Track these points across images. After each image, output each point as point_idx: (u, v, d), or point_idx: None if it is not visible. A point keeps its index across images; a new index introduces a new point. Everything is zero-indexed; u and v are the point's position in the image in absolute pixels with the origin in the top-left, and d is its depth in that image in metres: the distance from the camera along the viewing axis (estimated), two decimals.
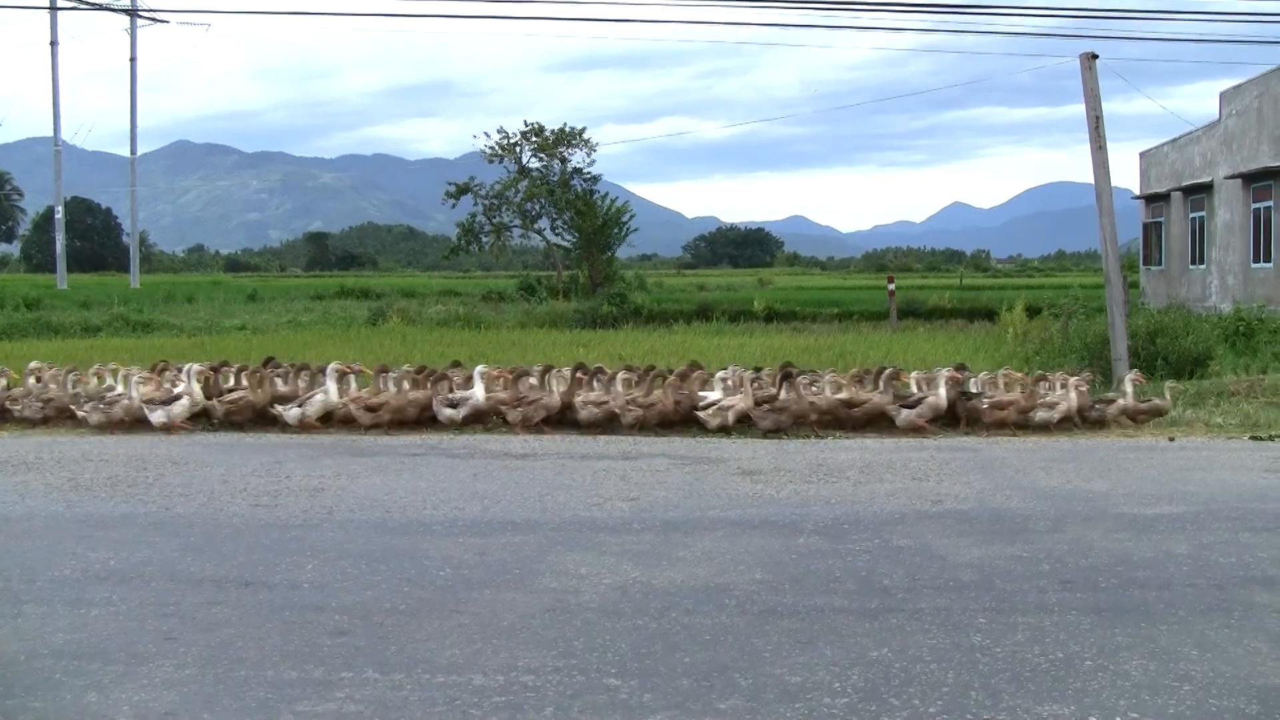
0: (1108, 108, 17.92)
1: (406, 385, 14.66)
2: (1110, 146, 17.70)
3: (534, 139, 53.40)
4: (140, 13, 76.11)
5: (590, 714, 5.36)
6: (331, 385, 14.39)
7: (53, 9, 70.79)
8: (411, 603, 7.07)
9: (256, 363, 16.50)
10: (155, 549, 8.52)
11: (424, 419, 14.45)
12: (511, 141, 53.24)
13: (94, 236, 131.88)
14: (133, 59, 78.46)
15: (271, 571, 7.83)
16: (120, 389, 15.05)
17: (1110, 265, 17.87)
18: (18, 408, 15.09)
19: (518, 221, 54.11)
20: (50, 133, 76.36)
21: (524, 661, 6.02)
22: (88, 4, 71.86)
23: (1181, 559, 7.94)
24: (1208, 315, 26.05)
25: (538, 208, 53.23)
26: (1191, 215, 37.73)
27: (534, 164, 53.57)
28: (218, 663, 6.08)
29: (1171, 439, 13.48)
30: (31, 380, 15.65)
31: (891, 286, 34.94)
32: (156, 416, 14.22)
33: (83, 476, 11.37)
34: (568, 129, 53.43)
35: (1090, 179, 17.96)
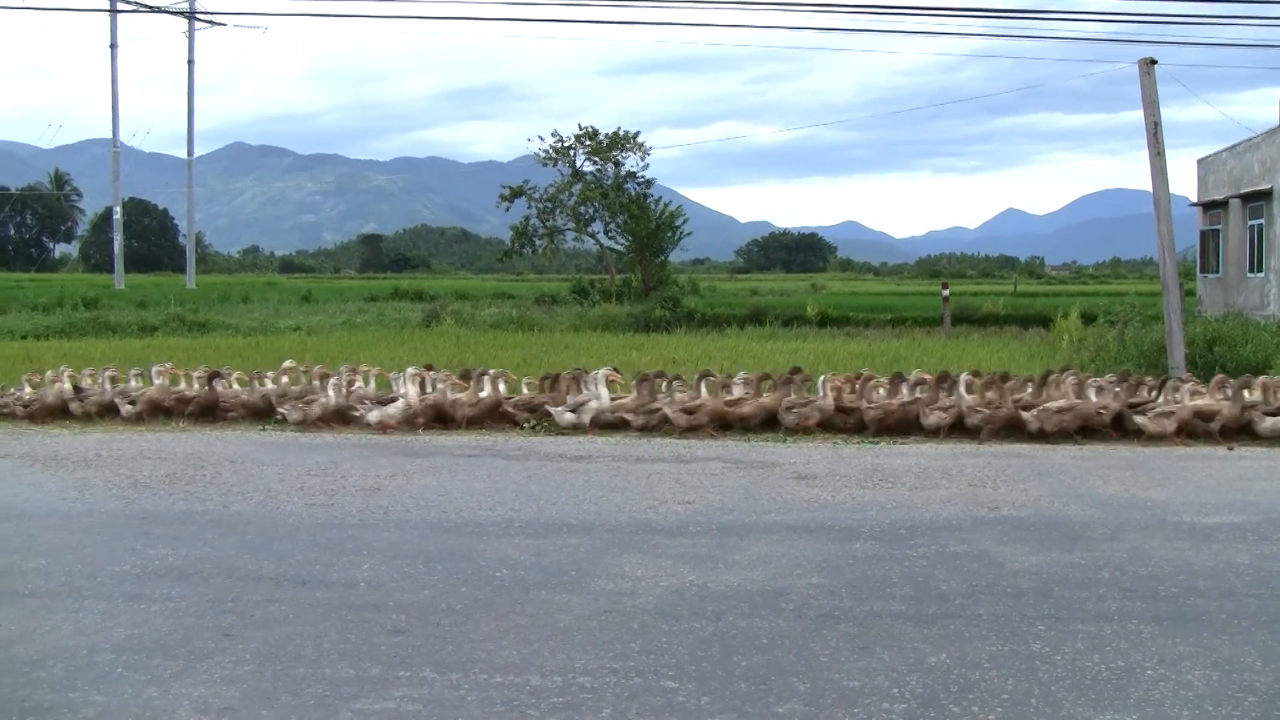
0: (1166, 114, 17.80)
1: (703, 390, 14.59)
2: (1168, 153, 17.56)
3: (588, 142, 53.41)
4: (198, 16, 76.75)
5: (648, 716, 5.35)
6: (602, 390, 14.33)
7: (113, 12, 71.56)
8: (468, 603, 7.08)
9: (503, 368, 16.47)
10: (213, 546, 8.58)
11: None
12: (565, 145, 53.28)
13: (150, 237, 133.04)
14: (190, 62, 79.15)
15: (329, 570, 7.87)
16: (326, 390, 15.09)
17: (1167, 272, 17.73)
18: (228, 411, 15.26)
19: (571, 225, 54.15)
20: (109, 134, 77.10)
21: (581, 663, 6.02)
22: (147, 7, 72.54)
23: (1243, 569, 7.86)
24: (1266, 324, 25.75)
25: (591, 211, 53.23)
26: (1250, 223, 37.29)
27: (588, 167, 53.59)
28: (276, 660, 6.11)
29: (1230, 448, 13.33)
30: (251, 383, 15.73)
31: (945, 292, 34.76)
32: (373, 416, 14.37)
33: (141, 474, 11.46)
34: (621, 133, 53.44)
35: (1147, 186, 17.83)
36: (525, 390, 15.27)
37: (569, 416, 14.11)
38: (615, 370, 15.34)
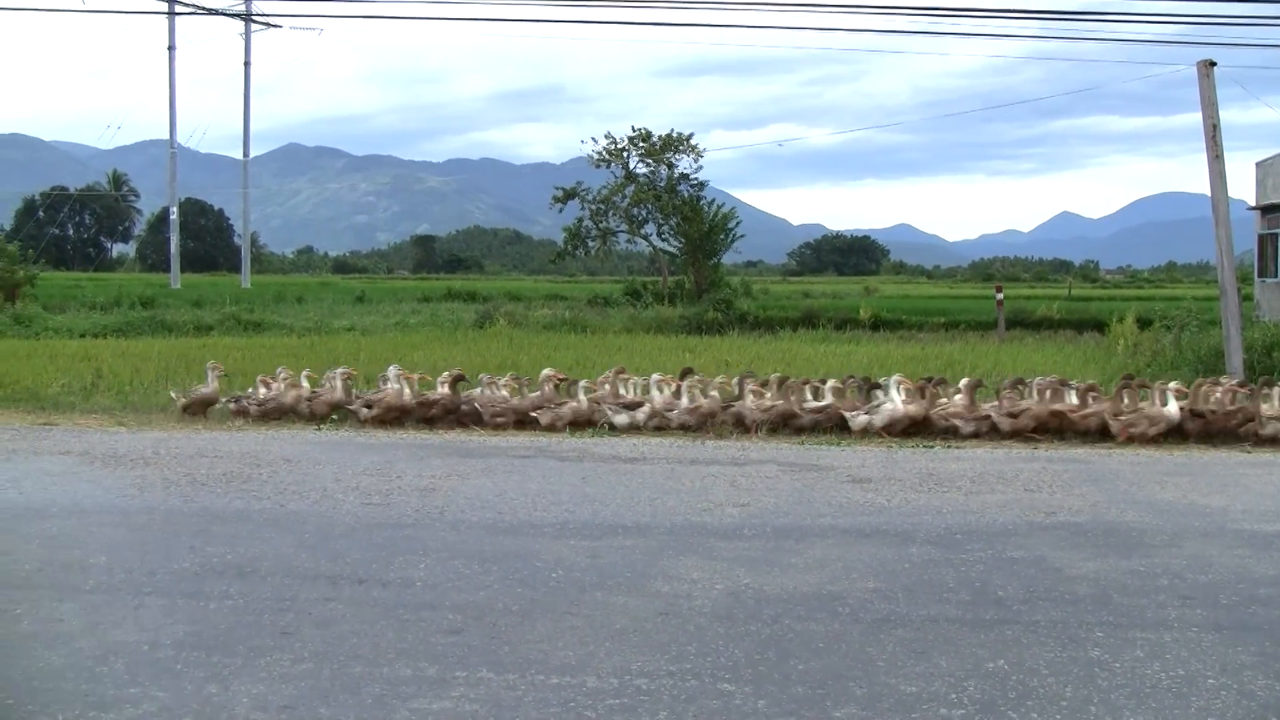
0: (1224, 116, 17.65)
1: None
2: (1226, 156, 17.40)
3: (641, 144, 53.38)
4: (254, 18, 77.26)
5: (705, 719, 5.36)
6: (895, 395, 14.23)
7: (171, 15, 72.18)
8: (524, 603, 7.11)
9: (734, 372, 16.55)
10: (270, 544, 8.64)
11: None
12: (619, 147, 53.28)
13: (206, 237, 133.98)
14: (247, 63, 79.72)
15: (385, 569, 7.91)
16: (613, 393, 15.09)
17: (1225, 276, 17.58)
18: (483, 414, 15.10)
19: (624, 226, 54.17)
20: (166, 136, 77.80)
21: (637, 665, 6.03)
22: (204, 10, 73.12)
23: None
24: None
25: (644, 213, 53.21)
26: None
27: (641, 169, 53.57)
28: (333, 658, 6.15)
29: None
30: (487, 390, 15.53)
31: (1000, 296, 34.53)
32: (619, 419, 14.47)
33: (199, 472, 11.55)
34: (675, 135, 53.39)
35: (1204, 189, 17.68)
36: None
37: (862, 419, 14.15)
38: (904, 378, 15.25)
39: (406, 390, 15.16)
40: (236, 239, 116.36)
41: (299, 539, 8.81)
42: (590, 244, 55.25)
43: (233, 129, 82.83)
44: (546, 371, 15.57)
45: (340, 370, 15.86)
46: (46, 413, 15.90)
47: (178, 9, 71.55)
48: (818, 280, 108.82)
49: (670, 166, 53.27)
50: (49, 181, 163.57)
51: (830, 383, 15.02)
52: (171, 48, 74.49)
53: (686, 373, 15.58)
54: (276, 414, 15.37)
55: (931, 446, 13.41)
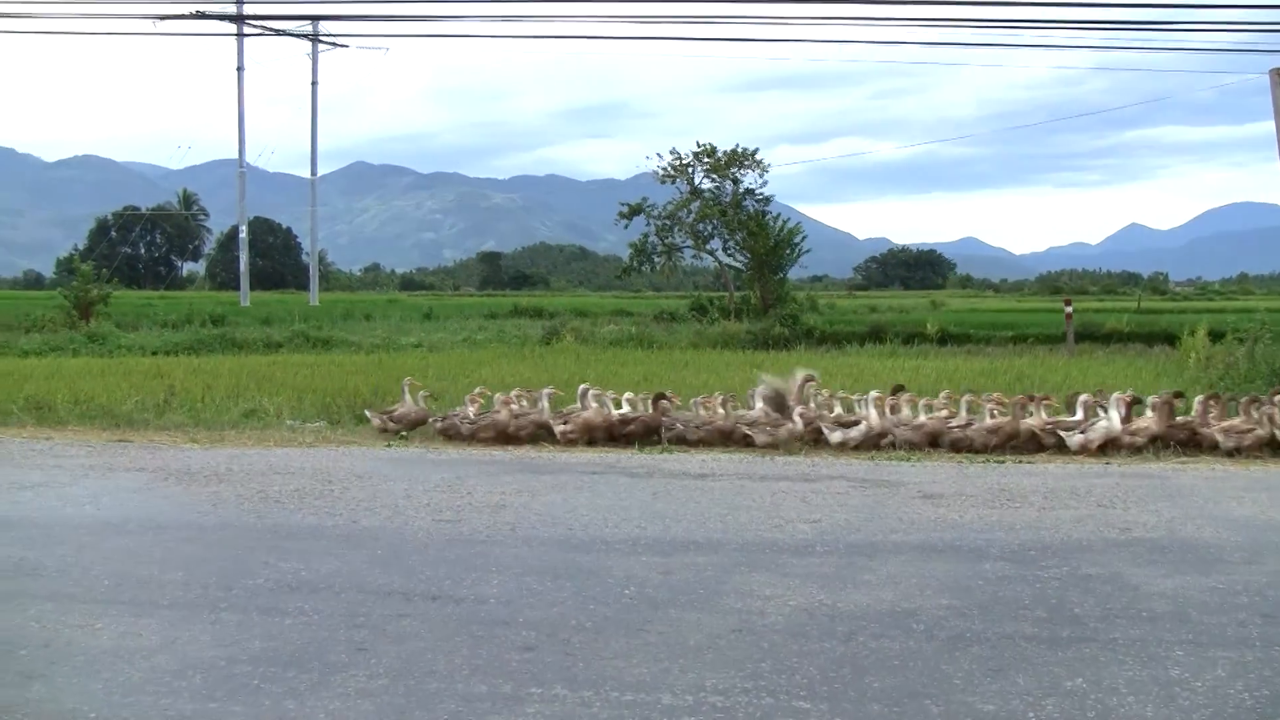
0: None
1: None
2: None
3: (706, 160, 53.37)
4: (321, 38, 78.00)
5: None
6: (1114, 413, 14.06)
7: (239, 36, 72.89)
8: (597, 620, 7.11)
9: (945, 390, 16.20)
10: (344, 561, 8.70)
11: None
12: (684, 162, 53.29)
13: (275, 255, 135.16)
14: (314, 83, 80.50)
15: (458, 586, 7.94)
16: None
17: None
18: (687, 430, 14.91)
19: (690, 242, 54.15)
20: (235, 155, 78.66)
21: (712, 682, 6.01)
22: (272, 31, 73.81)
23: None
24: None
25: (710, 229, 53.17)
26: None
27: (706, 185, 53.54)
28: (408, 674, 6.18)
29: None
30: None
31: (1069, 309, 34.23)
32: (835, 437, 14.36)
33: (271, 488, 11.64)
34: (740, 150, 53.34)
35: (1278, 199, 17.46)
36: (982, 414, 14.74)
37: (1079, 438, 13.89)
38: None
39: (616, 409, 15.04)
40: (304, 257, 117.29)
41: (371, 555, 8.86)
42: (656, 260, 55.26)
43: (300, 148, 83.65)
44: (762, 388, 15.32)
45: (547, 390, 15.61)
46: (121, 429, 16.08)
47: (246, 31, 72.28)
48: (884, 295, 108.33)
49: (735, 181, 53.21)
50: (121, 202, 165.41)
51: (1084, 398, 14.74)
52: (240, 69, 75.36)
53: (898, 389, 15.36)
54: (490, 433, 15.01)
55: (1002, 462, 13.30)
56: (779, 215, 53.11)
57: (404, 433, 15.44)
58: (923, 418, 14.46)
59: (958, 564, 8.51)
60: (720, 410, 14.89)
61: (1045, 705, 5.68)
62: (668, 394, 15.45)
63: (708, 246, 54.16)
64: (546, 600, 7.56)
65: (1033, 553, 8.82)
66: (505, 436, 14.94)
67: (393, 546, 9.14)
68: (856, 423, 14.45)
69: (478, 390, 15.81)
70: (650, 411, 14.97)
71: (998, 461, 13.31)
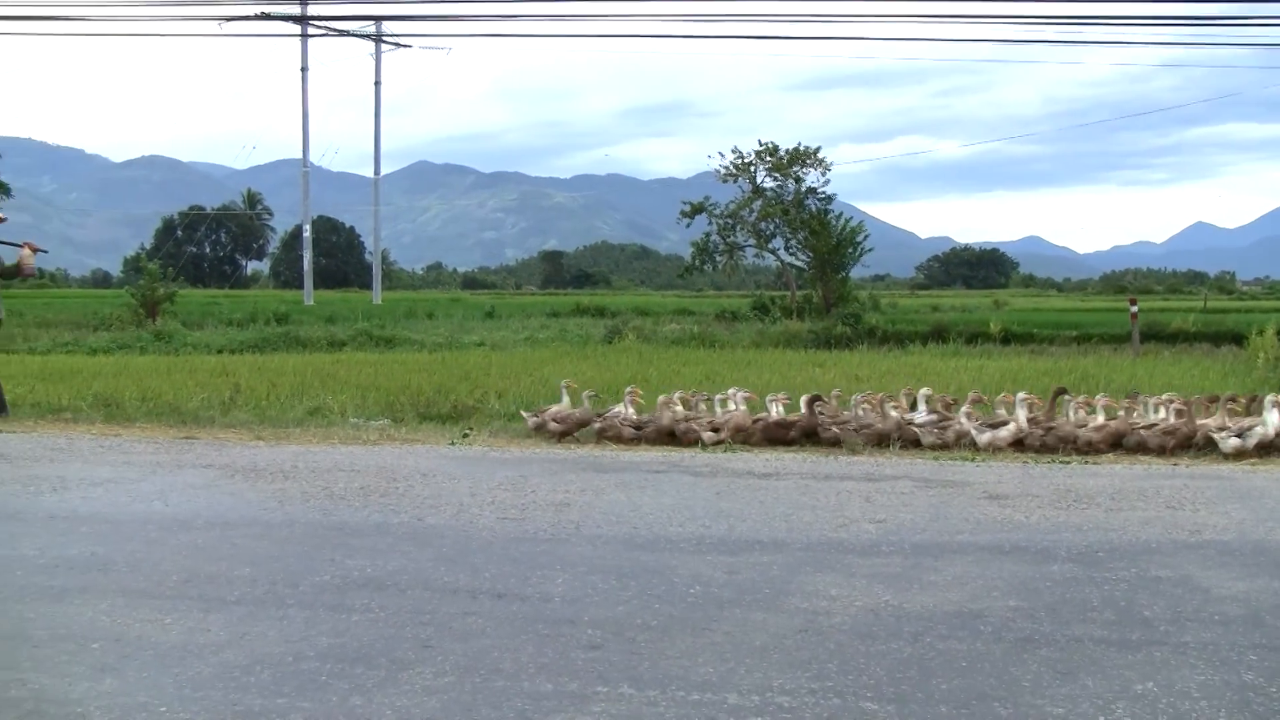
0: None
1: None
2: None
3: (768, 159, 53.32)
4: (384, 39, 78.58)
5: None
6: (1272, 415, 13.66)
7: (303, 37, 73.55)
8: (662, 619, 7.11)
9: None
10: (409, 558, 8.73)
11: None
12: (746, 161, 53.26)
13: (338, 254, 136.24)
14: (377, 83, 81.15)
15: (523, 584, 7.96)
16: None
17: None
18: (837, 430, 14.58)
19: (751, 241, 54.12)
20: (299, 155, 79.42)
21: (778, 682, 5.99)
22: (336, 32, 74.38)
23: None
24: None
25: (772, 227, 53.12)
26: None
27: (768, 184, 53.49)
28: (475, 672, 6.19)
29: None
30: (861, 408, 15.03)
31: (1134, 308, 33.90)
32: (984, 439, 14.03)
33: (336, 486, 11.70)
34: (802, 148, 53.27)
35: None
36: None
37: (1234, 441, 13.53)
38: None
39: (776, 410, 14.83)
40: (367, 256, 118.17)
41: (437, 553, 8.89)
42: (718, 259, 55.30)
43: (363, 148, 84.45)
44: (925, 391, 15.23)
45: (741, 393, 15.17)
46: (188, 426, 16.22)
47: (310, 31, 72.86)
48: (946, 294, 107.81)
49: (798, 180, 53.15)
50: (187, 201, 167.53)
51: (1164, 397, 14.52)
52: (304, 69, 76.10)
53: (1060, 392, 15.18)
54: (654, 436, 14.80)
55: (1068, 462, 13.19)
56: (841, 214, 53.02)
57: (565, 435, 15.03)
58: (1101, 418, 14.23)
59: (1025, 565, 8.45)
60: (881, 410, 14.68)
61: (1115, 709, 5.62)
62: (823, 395, 15.28)
63: (770, 245, 54.17)
64: (611, 599, 7.56)
65: (1101, 554, 8.74)
66: (668, 437, 14.80)
67: (458, 544, 9.17)
68: (1005, 423, 14.20)
69: (629, 390, 15.61)
70: (807, 414, 14.75)
71: (1063, 462, 13.20)
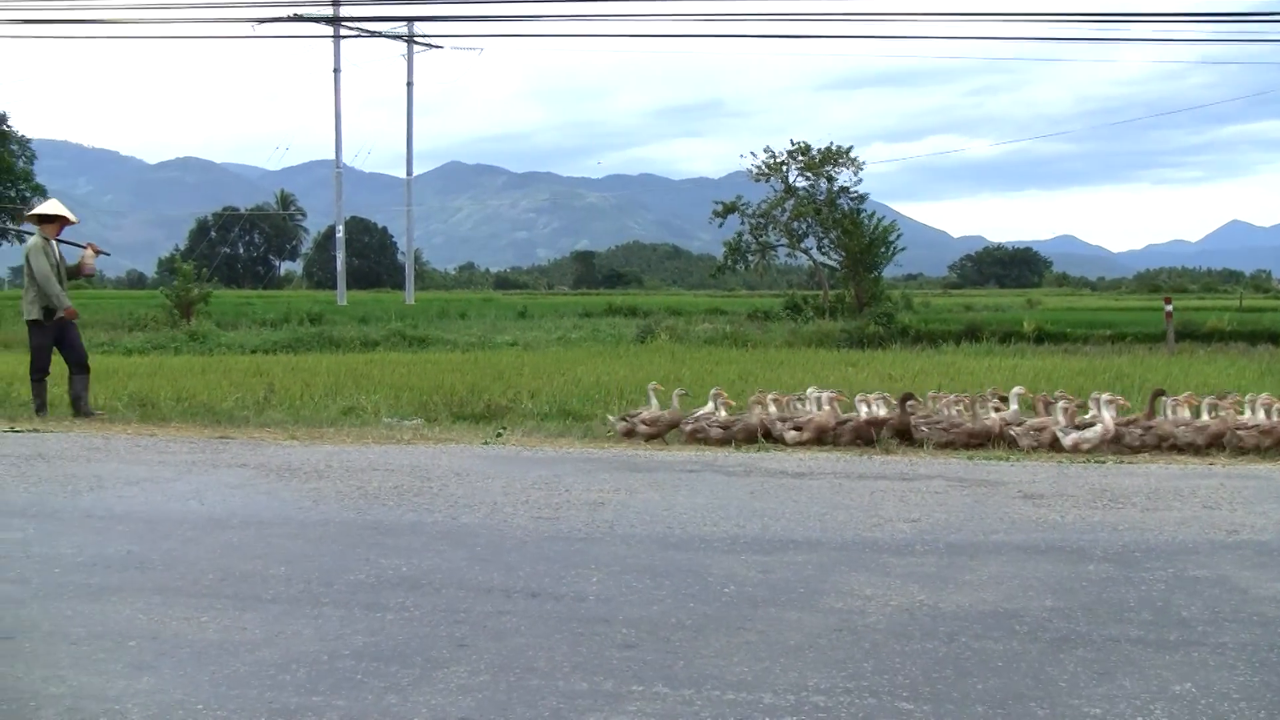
0: None
1: None
2: None
3: (800, 158, 53.30)
4: (416, 40, 78.88)
5: None
6: None
7: (336, 38, 73.92)
8: (697, 618, 7.09)
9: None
10: (444, 557, 8.74)
11: None
12: (778, 161, 53.24)
13: (370, 255, 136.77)
14: (409, 84, 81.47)
15: (557, 583, 7.95)
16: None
17: None
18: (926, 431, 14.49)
19: (784, 240, 54.11)
20: (332, 156, 79.81)
21: (814, 681, 5.98)
22: (368, 33, 74.69)
23: None
24: None
25: (804, 227, 53.11)
26: None
27: (800, 183, 53.47)
28: (510, 671, 6.19)
29: None
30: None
31: (1169, 307, 33.75)
32: (1069, 440, 13.90)
33: (371, 485, 11.73)
34: (834, 148, 53.23)
35: None
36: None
37: None
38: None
39: (868, 409, 14.70)
40: (400, 256, 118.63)
41: (471, 552, 8.90)
42: (750, 258, 55.35)
43: (396, 148, 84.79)
44: (1018, 390, 15.14)
45: (825, 393, 15.08)
46: (222, 426, 16.29)
47: (343, 33, 73.18)
48: (979, 293, 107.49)
49: (830, 180, 53.12)
50: (221, 202, 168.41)
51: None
52: (337, 70, 76.47)
53: (1159, 393, 15.02)
54: (743, 435, 14.66)
55: (1103, 462, 13.12)
56: (873, 213, 53.00)
57: (654, 437, 14.91)
58: (1205, 417, 14.07)
59: (1060, 565, 8.40)
60: (973, 411, 14.57)
61: (1154, 710, 5.59)
62: (915, 395, 15.17)
63: (802, 245, 54.18)
64: (646, 598, 7.56)
65: (1137, 554, 8.69)
66: (755, 437, 14.71)
67: (492, 543, 9.18)
68: (1091, 424, 14.05)
69: (714, 391, 15.40)
70: (898, 413, 14.65)
71: (1098, 462, 13.12)
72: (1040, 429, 14.17)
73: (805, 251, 54.54)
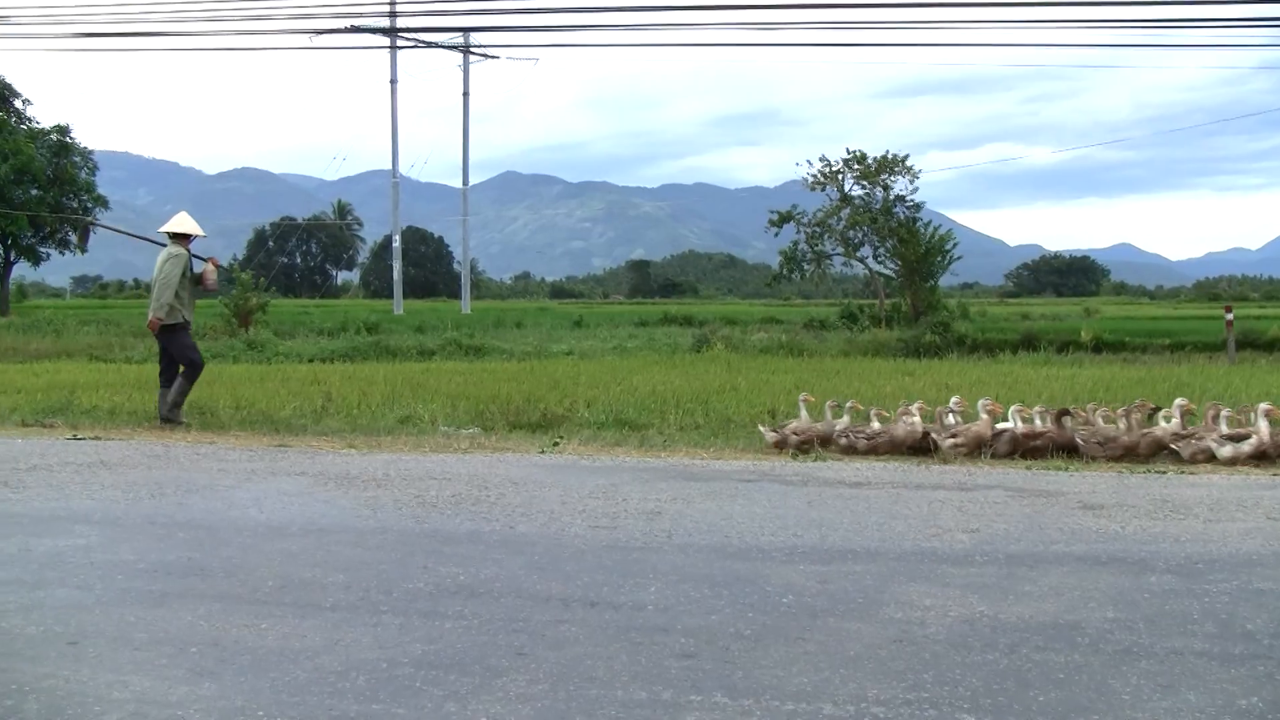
0: None
1: None
2: None
3: (856, 167, 53.14)
4: (472, 50, 79.27)
5: None
6: None
7: (393, 49, 74.40)
8: (755, 628, 7.07)
9: None
10: (501, 566, 8.75)
11: None
12: (834, 169, 53.11)
13: (427, 264, 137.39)
14: (465, 94, 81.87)
15: (615, 592, 7.95)
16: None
17: None
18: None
19: (839, 249, 53.99)
20: (389, 166, 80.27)
21: (873, 693, 5.94)
22: (424, 44, 75.14)
23: None
24: None
25: (860, 235, 52.97)
26: None
27: (856, 192, 53.33)
28: (568, 680, 6.19)
29: None
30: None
31: (1229, 316, 33.41)
32: (1225, 452, 13.71)
33: (428, 494, 11.77)
34: (890, 156, 53.04)
35: None
36: None
37: None
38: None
39: (1023, 423, 14.50)
40: (456, 265, 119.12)
41: (529, 560, 8.91)
42: (805, 267, 55.23)
43: (452, 158, 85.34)
44: (1180, 401, 14.81)
45: (982, 402, 15.01)
46: (281, 435, 16.40)
47: (399, 44, 73.67)
48: (1036, 302, 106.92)
49: (886, 188, 52.93)
50: (278, 212, 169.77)
51: None
52: (393, 81, 76.92)
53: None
54: (886, 447, 14.63)
55: (1164, 472, 13.00)
56: (929, 222, 52.75)
57: (804, 446, 14.80)
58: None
59: (1122, 576, 8.32)
60: (1129, 422, 14.26)
61: None
62: (1073, 409, 14.92)
63: (858, 254, 54.05)
64: (704, 607, 7.54)
65: (1200, 566, 8.60)
66: (899, 448, 14.63)
67: (550, 552, 9.19)
68: (1246, 436, 13.75)
69: (850, 403, 15.49)
70: (1054, 427, 14.44)
71: (1159, 472, 13.01)
72: (1200, 439, 13.85)
73: (861, 260, 54.41)
